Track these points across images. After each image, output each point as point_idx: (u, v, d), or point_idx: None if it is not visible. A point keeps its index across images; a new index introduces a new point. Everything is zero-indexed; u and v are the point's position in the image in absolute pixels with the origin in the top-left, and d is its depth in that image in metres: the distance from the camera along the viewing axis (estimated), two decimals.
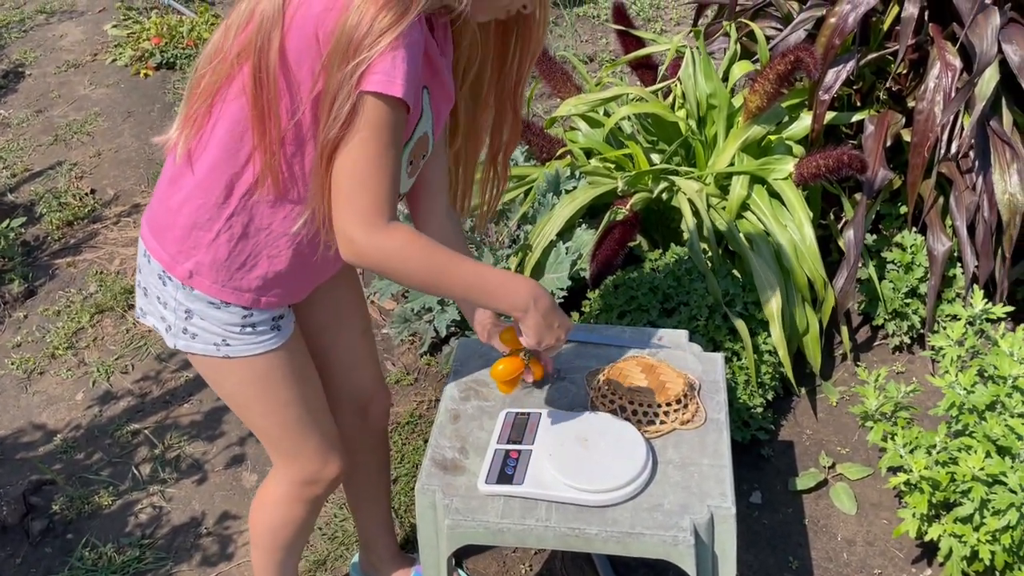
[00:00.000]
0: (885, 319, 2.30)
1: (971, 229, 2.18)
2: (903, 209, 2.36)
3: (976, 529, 1.50)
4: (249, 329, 1.28)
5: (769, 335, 2.07)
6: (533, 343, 1.32)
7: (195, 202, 1.20)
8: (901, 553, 1.85)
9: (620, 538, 1.35)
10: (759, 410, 2.05)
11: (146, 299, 1.32)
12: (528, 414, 1.53)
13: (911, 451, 1.58)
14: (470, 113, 1.35)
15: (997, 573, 1.57)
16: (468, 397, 1.60)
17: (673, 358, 1.64)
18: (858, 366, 2.32)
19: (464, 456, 1.49)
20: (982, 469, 1.45)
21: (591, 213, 2.37)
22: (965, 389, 1.56)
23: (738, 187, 2.20)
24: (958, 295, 2.28)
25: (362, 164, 1.07)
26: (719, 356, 1.66)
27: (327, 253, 1.22)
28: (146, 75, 3.97)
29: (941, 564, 1.72)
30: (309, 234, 1.21)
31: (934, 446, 1.54)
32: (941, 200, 2.24)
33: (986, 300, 1.82)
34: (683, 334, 1.71)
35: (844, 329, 2.24)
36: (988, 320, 1.77)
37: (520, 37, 1.26)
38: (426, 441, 2.16)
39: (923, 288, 2.24)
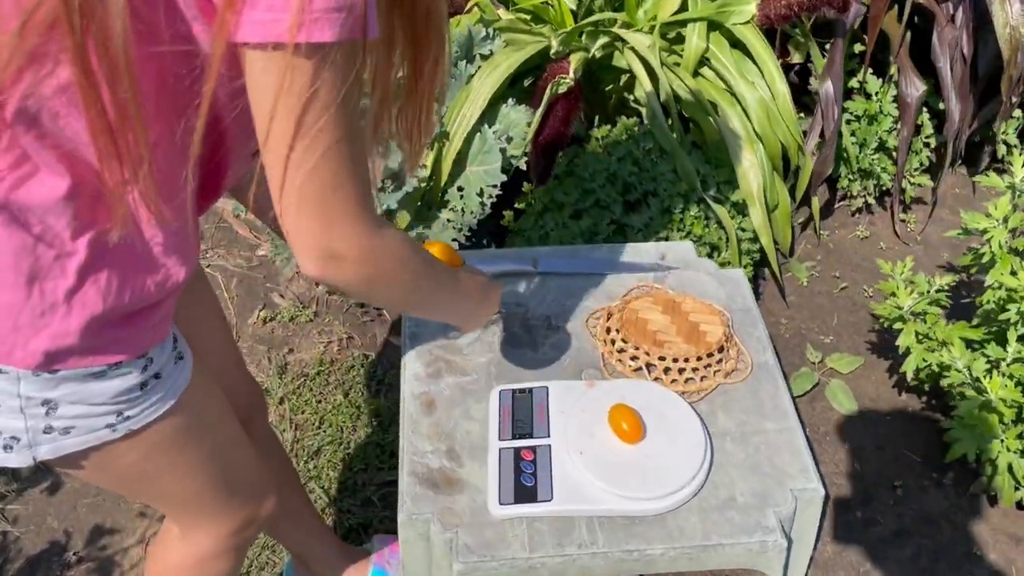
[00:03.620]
0: (850, 179, 2.02)
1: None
2: (858, 48, 2.05)
3: None
4: (154, 381, 0.81)
5: (745, 217, 1.75)
6: None
7: None
8: (916, 457, 1.65)
9: (692, 554, 1.03)
10: None
11: None
12: (530, 390, 1.14)
13: (967, 361, 1.33)
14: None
15: None
16: (439, 373, 1.19)
17: (688, 283, 1.28)
18: (819, 235, 2.06)
19: (456, 464, 1.09)
20: None
21: (510, 82, 1.89)
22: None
23: (695, 37, 1.79)
24: (926, 144, 2.03)
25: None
26: (740, 273, 1.31)
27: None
28: None
29: (964, 467, 1.54)
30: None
31: (1004, 359, 1.29)
32: (909, 37, 1.93)
33: None
34: (688, 247, 1.35)
35: (815, 199, 1.95)
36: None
37: None
38: (346, 395, 1.73)
39: (892, 141, 1.96)
